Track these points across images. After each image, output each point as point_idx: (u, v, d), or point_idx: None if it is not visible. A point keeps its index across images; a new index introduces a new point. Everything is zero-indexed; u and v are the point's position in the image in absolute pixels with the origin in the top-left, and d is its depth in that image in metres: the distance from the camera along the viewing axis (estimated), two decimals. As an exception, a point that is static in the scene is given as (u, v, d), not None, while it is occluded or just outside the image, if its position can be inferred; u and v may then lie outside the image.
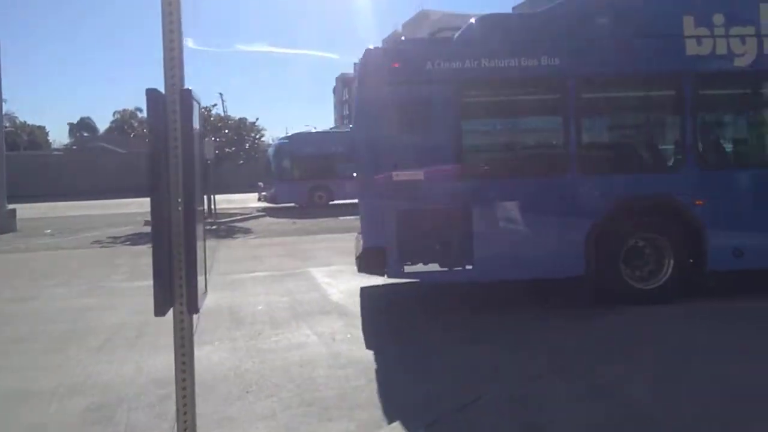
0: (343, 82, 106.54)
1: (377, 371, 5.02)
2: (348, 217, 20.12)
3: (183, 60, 2.43)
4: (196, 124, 2.47)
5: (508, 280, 6.90)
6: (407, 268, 6.52)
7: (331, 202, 25.39)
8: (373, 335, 6.10)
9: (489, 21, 6.97)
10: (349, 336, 6.11)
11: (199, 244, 2.43)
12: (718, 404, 3.92)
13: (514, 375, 4.61)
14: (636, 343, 5.31)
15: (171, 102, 2.40)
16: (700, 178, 6.72)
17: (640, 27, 6.80)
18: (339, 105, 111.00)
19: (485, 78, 6.66)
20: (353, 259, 10.76)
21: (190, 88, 2.40)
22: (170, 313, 2.45)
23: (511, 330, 6.03)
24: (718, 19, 6.65)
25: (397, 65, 6.62)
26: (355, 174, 8.44)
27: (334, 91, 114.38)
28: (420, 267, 6.52)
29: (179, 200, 2.34)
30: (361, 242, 7.01)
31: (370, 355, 5.48)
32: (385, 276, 6.72)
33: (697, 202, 6.64)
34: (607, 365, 4.71)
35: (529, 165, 7.12)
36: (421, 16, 67.92)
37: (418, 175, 6.47)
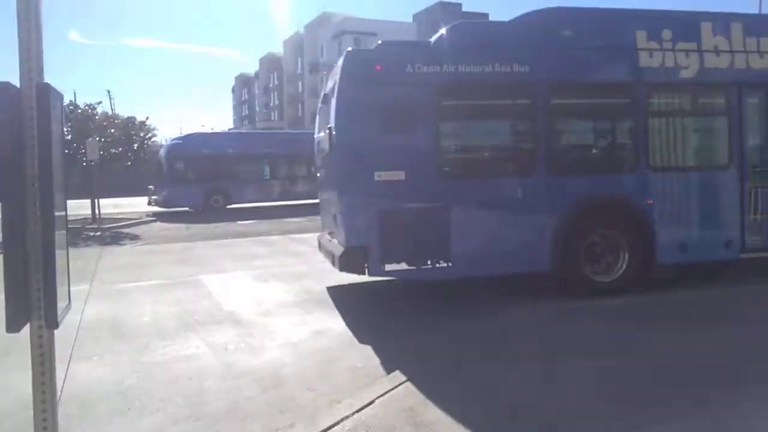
0: (242, 81, 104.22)
1: (274, 378, 4.88)
2: (247, 222, 19.64)
3: (41, 50, 2.20)
4: (58, 122, 2.25)
5: (482, 276, 7.18)
6: (388, 267, 6.63)
7: (228, 206, 24.65)
8: (269, 340, 5.96)
9: (464, 28, 7.34)
10: (242, 345, 5.90)
11: (60, 252, 2.21)
12: (586, 400, 4.16)
13: (406, 374, 4.63)
14: (526, 340, 5.53)
15: (27, 97, 2.16)
16: (650, 180, 7.31)
17: (600, 39, 7.36)
18: (238, 105, 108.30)
19: (461, 82, 6.91)
20: (249, 265, 10.57)
21: (48, 82, 2.18)
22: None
23: (410, 328, 6.10)
24: (666, 35, 7.30)
25: (379, 67, 6.72)
26: (319, 174, 8.65)
27: (233, 90, 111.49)
28: (399, 265, 6.67)
29: (36, 205, 2.12)
30: (337, 241, 7.12)
31: (264, 364, 5.32)
32: (366, 274, 6.77)
33: (648, 202, 7.24)
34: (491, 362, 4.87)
35: (501, 166, 7.45)
36: (323, 18, 67.67)
37: (399, 175, 6.63)
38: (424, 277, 6.97)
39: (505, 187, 7.09)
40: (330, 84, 7.59)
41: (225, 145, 25.72)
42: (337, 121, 6.77)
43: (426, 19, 65.05)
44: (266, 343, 5.94)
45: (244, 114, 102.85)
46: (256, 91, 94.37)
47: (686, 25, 7.49)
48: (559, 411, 3.94)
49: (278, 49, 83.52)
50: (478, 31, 7.46)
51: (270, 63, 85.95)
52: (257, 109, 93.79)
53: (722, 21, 7.56)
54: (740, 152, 7.54)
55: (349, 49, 7.06)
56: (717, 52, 7.45)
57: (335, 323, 6.57)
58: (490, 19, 69.22)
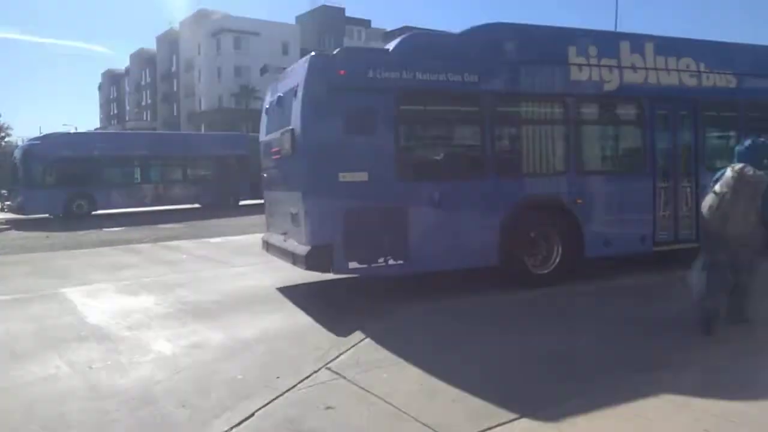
0: (111, 78, 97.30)
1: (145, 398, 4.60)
2: (115, 229, 18.41)
3: None
4: None
5: (439, 271, 7.55)
6: (351, 264, 6.89)
7: (94, 213, 22.96)
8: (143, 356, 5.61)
9: (419, 38, 7.89)
10: (110, 362, 5.50)
11: None
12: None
13: (288, 383, 4.59)
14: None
15: None
16: (579, 182, 8.10)
17: (537, 54, 8.04)
18: (106, 103, 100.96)
19: (418, 89, 7.33)
20: (117, 276, 9.89)
21: None
22: None
23: (294, 337, 6.04)
24: (592, 51, 8.19)
25: (343, 72, 6.96)
26: (266, 175, 8.90)
27: (100, 87, 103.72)
28: (362, 262, 6.96)
29: None
30: (297, 241, 7.32)
31: (134, 381, 4.99)
32: (332, 272, 7.07)
33: (578, 201, 7.99)
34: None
35: (454, 168, 7.83)
36: (201, 15, 65.14)
37: (363, 176, 6.91)
38: (386, 273, 7.26)
39: (458, 188, 7.54)
40: (285, 86, 7.76)
41: (90, 147, 23.88)
42: (303, 123, 6.97)
43: (310, 21, 64.86)
44: (136, 359, 5.59)
45: (112, 113, 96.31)
46: (127, 89, 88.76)
47: (608, 43, 8.45)
48: (436, 413, 4.08)
49: (150, 45, 79.24)
50: (432, 42, 7.94)
51: (142, 59, 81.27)
52: (127, 107, 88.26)
53: (638, 40, 8.57)
54: (652, 157, 8.52)
55: (313, 53, 7.31)
56: (634, 68, 8.43)
57: (213, 334, 6.33)
58: (372, 26, 70.60)
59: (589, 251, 8.04)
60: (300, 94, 6.99)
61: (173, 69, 72.97)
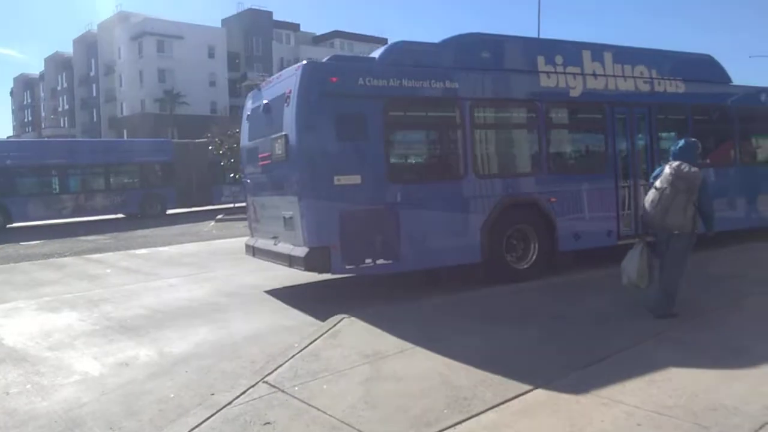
0: (24, 83, 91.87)
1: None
2: (33, 242, 17.40)
3: None
4: None
5: (428, 269, 7.96)
6: (348, 265, 7.16)
7: (9, 226, 21.58)
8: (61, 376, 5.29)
9: (403, 47, 8.15)
10: (29, 386, 5.15)
11: None
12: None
13: (224, 400, 4.44)
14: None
15: None
16: (552, 182, 8.63)
17: (512, 62, 8.64)
18: (19, 110, 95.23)
19: (404, 96, 7.74)
20: (35, 293, 9.33)
21: None
22: None
23: (229, 352, 5.87)
24: (558, 59, 8.83)
25: (334, 79, 7.26)
26: (249, 180, 9.15)
27: (12, 93, 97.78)
28: (358, 262, 7.22)
29: None
30: (292, 244, 7.47)
31: (57, 405, 4.69)
32: (330, 273, 7.28)
33: (552, 199, 8.54)
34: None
35: (439, 170, 8.29)
36: (120, 17, 62.54)
37: (356, 179, 7.19)
38: (378, 272, 7.57)
39: (443, 189, 7.95)
40: (273, 93, 8.00)
41: (2, 156, 22.47)
42: (298, 128, 7.16)
43: (237, 25, 63.57)
44: (59, 381, 5.27)
45: (26, 120, 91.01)
46: (42, 95, 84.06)
47: (572, 51, 9.08)
48: (378, 422, 4.06)
49: (67, 49, 75.40)
50: (415, 50, 8.19)
51: (58, 63, 77.18)
52: (43, 114, 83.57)
53: (598, 50, 9.29)
54: (614, 159, 9.22)
55: (304, 62, 7.53)
56: (595, 75, 9.14)
57: (142, 351, 6.07)
58: (301, 29, 70.04)
59: (562, 246, 8.59)
60: (294, 100, 7.19)
61: (92, 73, 69.66)
